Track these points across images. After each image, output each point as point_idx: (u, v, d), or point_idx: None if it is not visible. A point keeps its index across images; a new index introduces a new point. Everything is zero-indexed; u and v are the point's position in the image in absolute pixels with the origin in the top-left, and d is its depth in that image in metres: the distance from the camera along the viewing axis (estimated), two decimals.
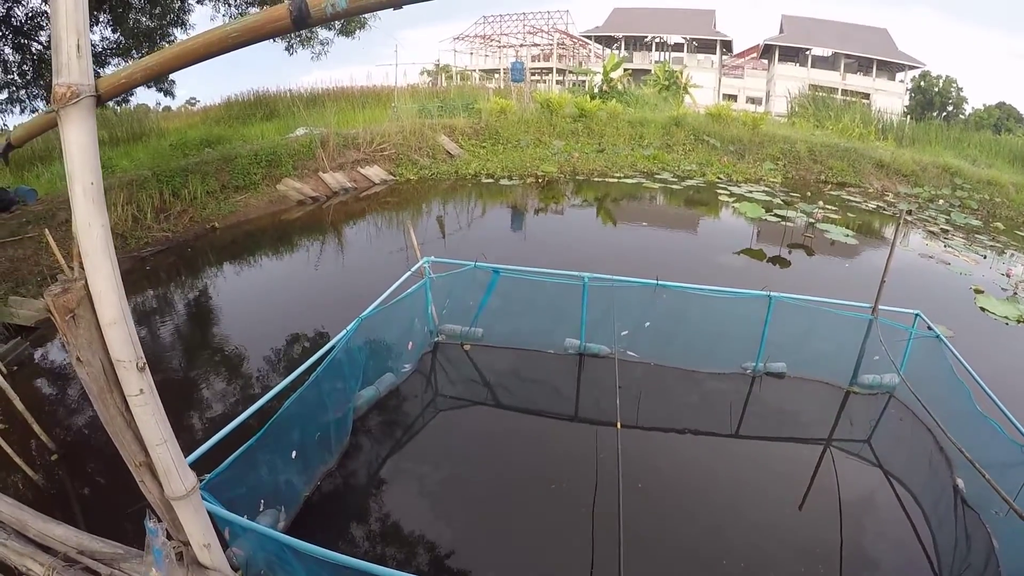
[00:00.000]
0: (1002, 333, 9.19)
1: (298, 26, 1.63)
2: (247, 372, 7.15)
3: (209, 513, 3.19)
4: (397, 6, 1.44)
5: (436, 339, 7.31)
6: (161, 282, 10.29)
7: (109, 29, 15.56)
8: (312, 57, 17.76)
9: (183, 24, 16.98)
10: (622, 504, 4.03)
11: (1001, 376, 6.84)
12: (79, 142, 1.83)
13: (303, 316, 8.40)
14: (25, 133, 2.34)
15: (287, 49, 17.49)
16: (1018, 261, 13.65)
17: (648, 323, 6.75)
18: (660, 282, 6.37)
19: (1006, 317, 9.66)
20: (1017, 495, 4.18)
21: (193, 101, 40.14)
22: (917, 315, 6.32)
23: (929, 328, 6.19)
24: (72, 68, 1.74)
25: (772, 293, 6.32)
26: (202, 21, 17.34)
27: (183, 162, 14.55)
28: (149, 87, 17.47)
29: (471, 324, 7.17)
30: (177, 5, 16.38)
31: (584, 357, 7.01)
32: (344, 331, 5.36)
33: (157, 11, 16.12)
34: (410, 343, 6.60)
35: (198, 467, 3.26)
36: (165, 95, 18.82)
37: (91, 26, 14.72)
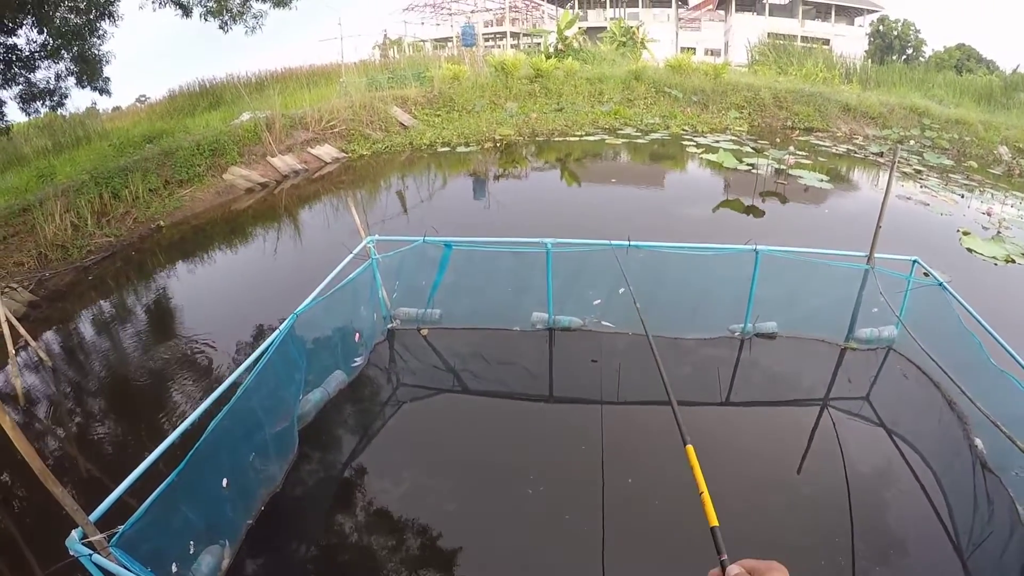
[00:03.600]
0: (993, 274, 8.81)
1: None
2: (200, 388, 6.32)
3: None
4: None
5: (390, 325, 6.62)
6: (105, 292, 9.46)
7: (35, 31, 14.43)
8: (246, 32, 16.64)
9: (111, 16, 15.86)
10: (607, 493, 3.88)
11: (1002, 321, 6.50)
12: None
13: (259, 315, 7.60)
14: None
15: (221, 27, 16.37)
16: (996, 200, 13.35)
17: (623, 290, 6.12)
18: (632, 243, 5.70)
19: (994, 257, 9.31)
20: None
21: (143, 99, 38.67)
22: (915, 262, 5.77)
23: (927, 275, 5.67)
24: None
25: (759, 247, 5.70)
26: (130, 12, 16.32)
27: (122, 161, 13.64)
28: (83, 87, 16.39)
29: (426, 306, 6.48)
30: None
31: (554, 332, 6.40)
32: (276, 331, 4.62)
33: (83, 5, 15.04)
34: (357, 334, 5.89)
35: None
36: (101, 94, 17.73)
37: (15, 29, 13.78)
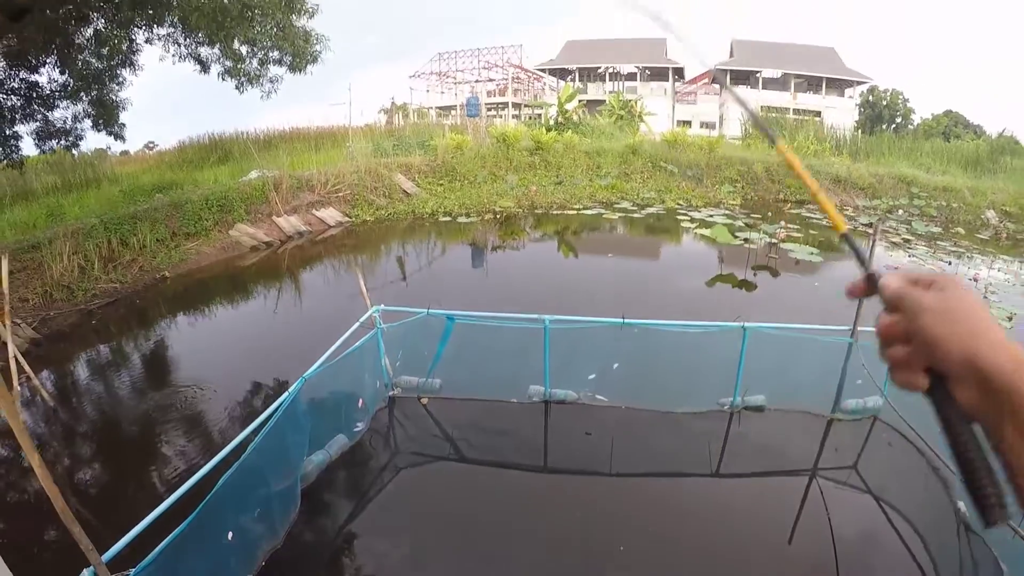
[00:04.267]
0: None
1: None
2: (196, 437, 6.51)
3: None
4: None
5: (391, 393, 6.82)
6: (108, 337, 9.68)
7: (57, 71, 15.16)
8: (262, 96, 17.29)
9: (132, 65, 16.62)
10: (600, 561, 3.93)
11: None
12: None
13: (258, 372, 7.83)
14: None
15: (237, 87, 17.01)
16: (983, 264, 13.77)
17: (616, 364, 6.36)
18: (626, 320, 5.97)
19: None
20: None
21: (152, 145, 39.68)
22: None
23: None
24: None
25: (746, 324, 5.97)
26: (151, 62, 17.08)
27: (132, 208, 14.07)
28: (99, 131, 17.13)
29: (427, 375, 6.69)
30: (125, 46, 16.00)
31: (550, 404, 6.58)
32: (286, 393, 4.85)
33: (105, 52, 15.73)
34: (360, 400, 6.10)
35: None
36: (116, 139, 18.36)
37: (38, 67, 14.45)
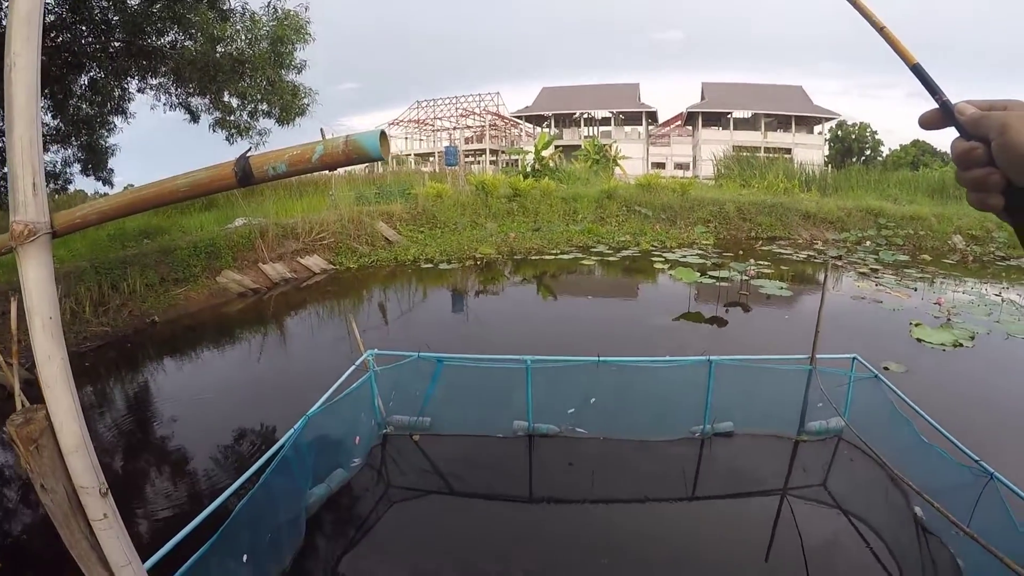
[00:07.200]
0: (941, 359, 9.54)
1: (242, 184, 1.67)
2: (194, 473, 6.81)
3: None
4: (332, 168, 1.51)
5: (384, 431, 7.17)
6: (101, 380, 9.88)
7: (49, 115, 15.56)
8: (250, 148, 17.74)
9: (124, 112, 17.19)
10: None
11: (948, 400, 7.38)
12: (37, 277, 1.76)
13: (249, 413, 8.15)
14: None
15: (227, 139, 17.74)
16: (947, 288, 14.52)
17: (594, 399, 6.80)
18: (601, 358, 6.42)
19: (942, 344, 10.08)
20: (972, 514, 4.40)
21: (131, 188, 39.59)
22: (854, 359, 6.56)
23: (887, 369, 6.40)
24: (28, 206, 1.69)
25: (712, 357, 6.44)
26: (142, 109, 17.49)
27: (121, 253, 14.40)
28: (87, 175, 17.73)
29: (418, 414, 7.08)
30: (118, 94, 16.58)
31: (533, 438, 6.95)
32: (291, 430, 5.22)
33: (98, 99, 16.22)
34: (357, 437, 6.47)
35: None
36: (104, 184, 18.67)
37: None
